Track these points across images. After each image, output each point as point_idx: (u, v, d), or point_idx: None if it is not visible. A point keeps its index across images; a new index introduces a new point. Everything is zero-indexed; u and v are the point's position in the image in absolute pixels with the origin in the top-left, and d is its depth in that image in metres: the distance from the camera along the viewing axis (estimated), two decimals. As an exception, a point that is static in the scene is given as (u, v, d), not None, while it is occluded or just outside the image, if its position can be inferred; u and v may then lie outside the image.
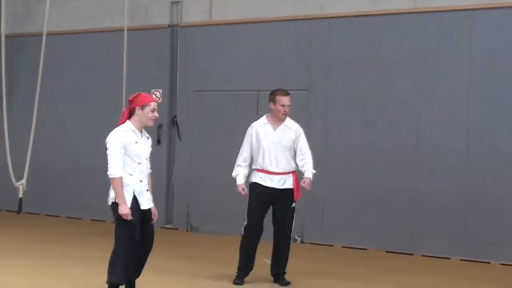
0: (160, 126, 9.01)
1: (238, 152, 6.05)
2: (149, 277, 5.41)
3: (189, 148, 9.06)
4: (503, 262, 7.16)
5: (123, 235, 4.80)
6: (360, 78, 8.00)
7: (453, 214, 7.45)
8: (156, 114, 4.94)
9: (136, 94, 4.96)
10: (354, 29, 8.04)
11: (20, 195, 7.77)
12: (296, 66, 8.35)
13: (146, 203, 4.96)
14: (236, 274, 5.95)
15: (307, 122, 7.47)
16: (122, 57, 8.60)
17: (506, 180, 7.20)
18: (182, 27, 9.10)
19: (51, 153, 9.81)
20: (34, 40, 9.08)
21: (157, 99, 8.90)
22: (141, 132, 4.97)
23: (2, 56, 8.13)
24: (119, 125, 4.93)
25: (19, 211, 7.85)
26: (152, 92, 8.97)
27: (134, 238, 4.83)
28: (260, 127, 5.96)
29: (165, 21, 9.20)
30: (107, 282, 4.89)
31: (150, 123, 4.97)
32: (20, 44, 9.99)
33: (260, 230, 5.86)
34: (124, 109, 5.01)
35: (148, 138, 5.02)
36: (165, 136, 9.13)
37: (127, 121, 4.90)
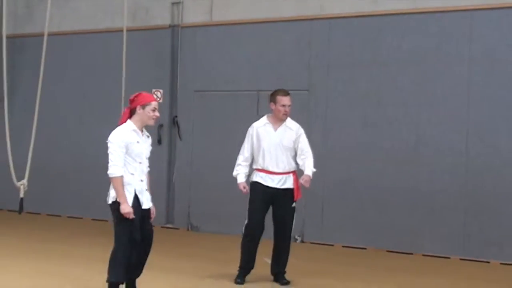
0: (161, 126, 9.03)
1: (238, 152, 6.07)
2: (150, 276, 5.41)
3: (189, 148, 9.08)
4: (503, 262, 7.18)
5: (123, 235, 4.81)
6: (360, 78, 8.02)
7: (453, 214, 7.47)
8: (157, 114, 4.95)
9: (136, 93, 4.97)
10: (354, 29, 8.06)
11: (21, 195, 7.78)
12: (296, 66, 8.37)
13: (146, 202, 4.98)
14: (237, 272, 5.96)
15: (307, 122, 7.49)
16: (123, 57, 8.64)
17: (505, 180, 7.22)
18: (182, 27, 9.13)
19: (52, 153, 9.83)
20: (35, 40, 9.10)
21: (158, 99, 8.92)
22: (141, 131, 4.98)
23: (3, 56, 8.15)
24: (120, 124, 4.94)
25: (20, 210, 7.86)
26: (153, 92, 8.98)
27: (135, 238, 4.84)
28: (261, 127, 5.97)
29: (166, 21, 9.23)
30: (107, 281, 4.91)
31: (151, 123, 4.98)
32: (21, 44, 10.02)
33: (261, 228, 5.88)
34: (124, 109, 5.01)
35: (148, 137, 5.04)
36: (165, 136, 9.16)
37: (128, 121, 4.91)
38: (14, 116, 9.13)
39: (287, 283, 5.94)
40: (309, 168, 5.87)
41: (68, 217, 9.79)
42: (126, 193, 4.80)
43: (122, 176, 4.78)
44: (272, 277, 6.03)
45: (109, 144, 4.82)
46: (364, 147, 7.95)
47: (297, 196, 5.92)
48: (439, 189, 7.53)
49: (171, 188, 9.20)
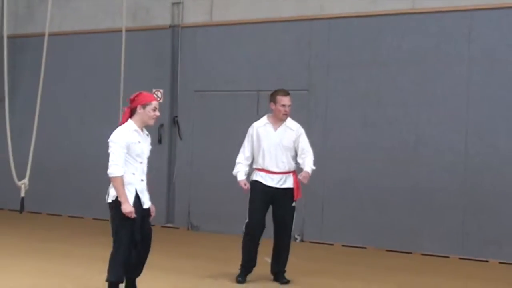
0: (161, 126, 9.06)
1: (238, 152, 6.08)
2: (150, 275, 5.43)
3: (190, 147, 9.10)
4: (501, 261, 7.20)
5: (124, 235, 4.80)
6: (360, 78, 8.04)
7: (452, 213, 7.49)
8: (157, 113, 4.96)
9: (137, 93, 4.97)
10: (354, 30, 8.08)
11: (22, 194, 7.78)
12: (296, 66, 8.39)
13: (146, 202, 4.99)
14: (239, 271, 5.98)
15: (307, 122, 7.50)
16: (125, 57, 8.66)
17: (504, 179, 7.24)
18: (183, 27, 9.15)
19: (53, 152, 9.85)
20: (36, 40, 9.11)
21: (158, 99, 8.94)
22: (141, 130, 4.98)
23: (4, 56, 8.16)
24: (120, 124, 4.94)
25: (21, 210, 7.87)
26: (153, 92, 9.01)
27: (135, 237, 4.84)
28: (261, 127, 5.99)
29: (166, 21, 9.25)
30: (107, 281, 4.91)
31: (152, 122, 4.98)
32: (22, 44, 10.04)
33: (261, 227, 5.88)
34: (125, 108, 5.00)
35: (147, 135, 5.03)
36: (166, 135, 9.18)
37: (129, 120, 4.91)
38: (15, 116, 9.16)
39: (287, 282, 5.96)
40: (308, 166, 5.87)
41: (69, 216, 9.81)
42: (127, 192, 4.80)
43: (122, 176, 4.78)
44: (272, 276, 6.04)
45: (110, 144, 4.82)
46: (363, 147, 7.97)
47: (297, 196, 5.94)
48: (438, 189, 7.55)
49: (171, 187, 9.22)
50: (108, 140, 4.85)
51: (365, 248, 7.89)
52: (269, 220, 5.99)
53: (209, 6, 8.97)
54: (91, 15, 9.75)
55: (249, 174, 6.08)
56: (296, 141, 5.96)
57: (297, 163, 6.00)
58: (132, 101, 4.93)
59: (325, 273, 6.54)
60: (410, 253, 7.63)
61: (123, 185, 4.78)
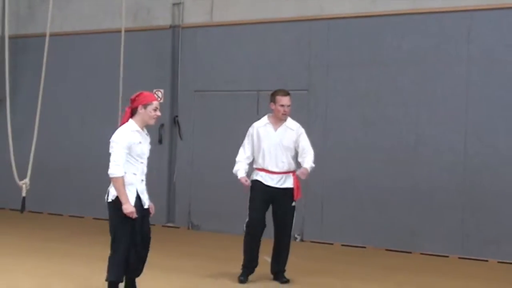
0: (161, 125, 9.08)
1: (238, 152, 6.10)
2: (151, 275, 5.44)
3: (190, 147, 9.13)
4: (500, 260, 7.22)
5: (123, 234, 4.80)
6: (360, 78, 8.06)
7: (451, 213, 7.52)
8: (158, 113, 4.96)
9: (138, 93, 4.96)
10: (354, 30, 8.10)
11: (23, 194, 7.81)
12: (296, 67, 8.41)
13: (146, 202, 4.99)
14: (241, 271, 5.98)
15: (307, 122, 7.52)
16: (125, 57, 8.68)
17: (503, 178, 7.27)
18: (183, 28, 9.17)
19: (54, 152, 9.88)
20: (37, 40, 9.16)
21: (159, 99, 8.97)
22: (142, 130, 4.99)
23: (5, 56, 8.18)
24: (121, 124, 4.95)
25: (22, 209, 7.89)
26: (154, 92, 9.03)
27: (135, 237, 4.85)
28: (261, 127, 6.01)
29: (167, 22, 9.27)
30: (106, 280, 4.90)
31: (152, 122, 4.98)
32: (23, 44, 10.06)
33: (261, 226, 5.89)
34: (126, 108, 4.99)
35: (147, 135, 5.03)
36: (166, 135, 9.20)
37: (130, 120, 4.91)
38: (16, 116, 9.19)
39: (287, 281, 5.98)
40: (307, 163, 5.89)
41: (70, 216, 9.84)
42: (128, 193, 4.79)
43: (123, 176, 4.77)
44: (272, 276, 6.06)
45: (112, 144, 4.82)
46: (363, 147, 7.99)
47: (297, 195, 5.96)
48: (437, 188, 7.57)
49: (172, 187, 9.25)
50: (110, 140, 4.85)
51: (364, 247, 7.91)
52: (269, 219, 6.01)
53: (209, 6, 8.99)
54: (92, 16, 9.78)
55: (248, 174, 6.09)
56: (296, 141, 5.98)
57: (297, 163, 6.01)
58: (133, 101, 4.92)
59: (325, 273, 6.56)
60: (410, 252, 7.65)
61: (124, 185, 4.78)
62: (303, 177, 5.88)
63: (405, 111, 7.81)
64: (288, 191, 5.93)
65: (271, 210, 6.03)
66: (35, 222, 9.28)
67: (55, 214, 9.93)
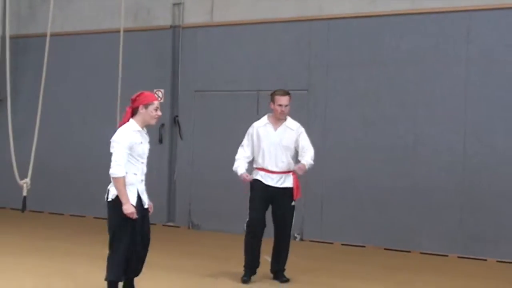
0: (162, 125, 9.11)
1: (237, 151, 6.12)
2: (151, 274, 5.46)
3: (190, 147, 9.15)
4: (499, 259, 7.25)
5: (123, 234, 4.79)
6: (359, 78, 8.08)
7: (450, 212, 7.54)
8: (159, 113, 4.96)
9: (138, 92, 4.95)
10: (353, 30, 8.13)
11: (24, 193, 7.84)
12: (296, 66, 8.43)
13: (146, 201, 4.98)
14: (243, 272, 5.97)
15: (306, 122, 7.52)
16: (126, 57, 8.72)
17: (502, 178, 7.29)
18: (183, 28, 9.19)
19: (55, 152, 9.91)
20: (38, 40, 9.18)
21: (159, 99, 8.99)
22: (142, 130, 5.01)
23: (6, 56, 8.21)
24: (122, 123, 4.94)
25: (23, 209, 7.92)
26: (154, 92, 9.05)
27: (135, 237, 4.84)
28: (261, 127, 6.03)
29: (167, 22, 9.29)
30: (106, 280, 4.89)
31: (153, 122, 4.98)
32: (24, 45, 10.08)
33: (261, 225, 5.90)
34: (127, 108, 4.98)
35: (146, 134, 5.02)
36: (167, 135, 9.23)
37: (131, 120, 4.90)
38: (17, 116, 9.21)
39: (287, 280, 6.00)
40: (306, 160, 5.91)
41: (71, 215, 9.88)
42: (129, 193, 4.78)
43: (124, 177, 4.77)
44: (271, 275, 6.08)
45: (113, 144, 4.81)
46: (363, 146, 8.02)
47: (296, 195, 5.97)
48: (436, 187, 7.60)
49: (172, 186, 9.27)
50: (111, 140, 4.84)
51: (364, 246, 7.94)
52: (269, 219, 6.03)
53: (209, 6, 9.02)
54: (93, 16, 9.80)
55: (248, 173, 6.11)
56: (296, 141, 6.00)
57: (297, 162, 6.01)
58: (133, 101, 4.91)
59: (324, 272, 6.59)
60: (409, 251, 7.68)
61: (124, 185, 4.77)
62: (300, 172, 5.89)
63: (404, 111, 7.83)
64: (288, 191, 5.95)
65: (271, 209, 6.04)
66: (36, 222, 9.31)
67: (55, 214, 9.96)
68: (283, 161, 5.94)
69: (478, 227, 7.40)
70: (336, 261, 7.19)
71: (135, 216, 4.76)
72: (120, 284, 5.00)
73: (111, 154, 4.86)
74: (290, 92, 6.10)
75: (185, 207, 9.16)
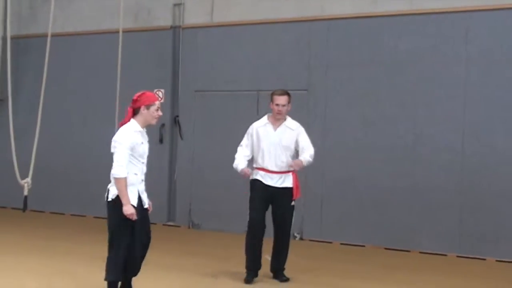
0: (162, 125, 9.14)
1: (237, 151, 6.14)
2: (151, 273, 5.48)
3: (191, 147, 9.18)
4: (498, 259, 7.27)
5: (123, 234, 4.79)
6: (359, 78, 8.11)
7: (449, 212, 7.57)
8: (160, 113, 4.98)
9: (140, 93, 4.94)
10: (353, 30, 8.15)
11: (25, 193, 7.86)
12: (296, 67, 8.46)
13: (146, 201, 4.98)
14: (246, 273, 5.96)
15: (306, 122, 7.53)
16: (126, 57, 8.75)
17: (501, 178, 7.32)
18: (184, 28, 9.22)
19: (56, 152, 9.94)
20: (39, 41, 9.21)
21: (160, 99, 9.01)
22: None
23: (7, 56, 8.23)
24: (122, 123, 4.93)
25: (24, 208, 7.95)
26: (154, 92, 9.08)
27: (135, 237, 4.83)
28: (261, 127, 6.04)
29: (168, 22, 9.32)
30: (105, 280, 4.88)
31: (154, 122, 5.00)
32: (25, 45, 10.11)
33: (262, 225, 5.91)
34: (128, 108, 4.97)
35: (146, 134, 5.01)
36: (167, 135, 9.26)
37: (132, 120, 4.90)
38: (18, 116, 9.23)
39: (287, 280, 6.02)
40: (304, 157, 5.94)
41: (71, 215, 9.91)
42: (130, 193, 4.78)
43: (126, 177, 4.76)
44: (271, 274, 6.09)
45: (115, 144, 4.80)
46: (362, 146, 8.04)
47: (296, 195, 5.99)
48: (436, 187, 7.63)
49: (173, 186, 9.30)
50: (113, 140, 4.83)
51: (363, 246, 7.96)
52: (268, 219, 6.05)
53: (209, 7, 9.04)
54: (93, 16, 9.82)
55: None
56: (296, 141, 6.02)
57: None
58: (135, 101, 4.90)
59: (324, 271, 6.61)
60: (409, 251, 7.70)
61: (126, 186, 4.77)
62: (296, 167, 5.90)
63: (404, 111, 7.86)
64: (288, 191, 5.96)
65: (270, 209, 6.05)
66: (37, 221, 9.34)
67: (56, 213, 9.99)
68: (283, 161, 5.95)
69: (477, 226, 7.43)
70: (336, 260, 7.21)
71: (135, 217, 4.76)
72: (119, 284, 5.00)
73: (111, 154, 4.86)
74: (290, 92, 6.12)
75: (186, 207, 9.19)
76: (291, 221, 6.06)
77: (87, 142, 9.71)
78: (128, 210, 4.73)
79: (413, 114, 7.81)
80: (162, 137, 9.21)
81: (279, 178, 5.96)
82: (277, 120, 6.01)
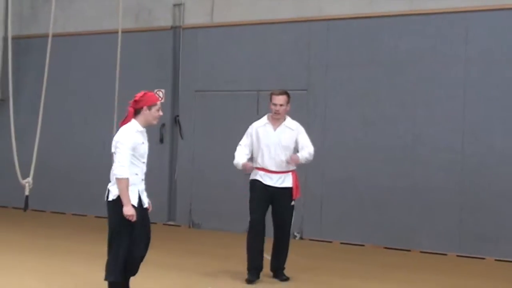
0: (163, 125, 9.16)
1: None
2: (151, 273, 5.50)
3: (191, 146, 9.20)
4: (497, 258, 7.29)
5: (124, 235, 4.79)
6: (358, 78, 8.12)
7: (449, 211, 7.59)
8: (161, 113, 5.00)
9: (142, 93, 4.94)
10: (352, 30, 8.17)
11: (27, 192, 7.88)
12: (296, 67, 8.48)
13: (146, 201, 4.98)
14: (247, 273, 5.96)
15: (306, 122, 7.53)
16: (127, 58, 8.77)
17: (500, 177, 7.33)
18: (184, 28, 9.24)
19: (57, 152, 9.96)
20: (40, 41, 9.22)
21: (160, 98, 9.04)
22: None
23: (8, 57, 8.26)
24: (123, 123, 4.93)
25: (25, 208, 7.97)
26: (155, 92, 9.10)
27: (135, 238, 4.84)
28: (261, 127, 6.06)
29: (168, 23, 9.34)
30: (106, 280, 4.88)
31: (155, 122, 5.01)
32: (26, 45, 10.13)
33: (262, 225, 5.92)
34: (129, 108, 4.96)
35: (145, 133, 5.03)
36: (167, 135, 9.28)
37: (134, 120, 4.90)
38: (20, 116, 9.25)
39: (287, 279, 6.04)
40: (301, 154, 5.96)
41: (72, 214, 9.93)
42: (131, 193, 4.78)
43: (128, 178, 4.75)
44: (271, 273, 6.11)
45: (118, 145, 4.79)
46: (362, 146, 8.06)
47: (296, 195, 6.01)
48: (435, 187, 7.64)
49: (173, 186, 9.32)
50: (115, 141, 4.83)
51: (363, 245, 7.98)
52: (268, 218, 6.07)
53: (209, 7, 9.06)
54: (94, 16, 9.84)
55: (248, 174, 6.16)
56: (296, 140, 6.03)
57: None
58: (138, 101, 4.89)
59: (324, 270, 6.63)
60: (408, 250, 7.71)
61: (128, 187, 4.76)
62: (292, 162, 5.91)
63: (403, 111, 7.87)
64: (287, 191, 5.98)
65: (270, 209, 6.07)
66: (38, 220, 9.36)
67: (57, 213, 10.02)
68: (283, 161, 5.96)
69: (477, 226, 7.45)
70: (336, 259, 7.23)
71: (134, 218, 4.76)
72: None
73: (112, 153, 4.87)
74: (290, 92, 6.13)
75: (186, 206, 9.21)
76: (291, 221, 6.08)
77: (88, 142, 9.73)
78: (129, 211, 4.74)
79: (412, 114, 7.83)
80: (163, 137, 9.24)
81: (279, 178, 5.97)
82: (276, 120, 6.02)
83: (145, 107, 4.89)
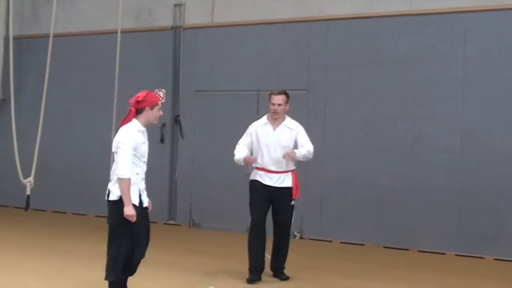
0: (163, 125, 9.18)
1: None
2: (152, 272, 5.51)
3: (191, 146, 9.22)
4: (496, 257, 7.31)
5: (124, 235, 4.80)
6: (358, 78, 8.14)
7: (448, 211, 7.61)
8: (161, 113, 5.03)
9: (145, 93, 4.94)
10: (352, 30, 8.19)
11: (28, 192, 7.89)
12: (296, 67, 8.50)
13: (146, 200, 4.99)
14: (249, 273, 5.95)
15: (306, 121, 7.56)
16: (128, 58, 8.78)
17: (499, 177, 7.35)
18: (184, 29, 9.26)
19: (58, 151, 9.99)
20: (41, 41, 9.23)
21: (161, 98, 9.06)
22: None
23: (10, 57, 8.28)
24: (123, 123, 4.93)
25: (26, 207, 7.98)
26: (155, 92, 9.12)
27: (135, 238, 4.84)
28: (260, 127, 6.07)
29: (168, 23, 9.36)
30: (106, 280, 4.89)
31: (156, 122, 5.04)
32: (28, 45, 10.15)
33: (263, 225, 5.93)
34: (130, 107, 4.95)
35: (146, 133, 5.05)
36: (168, 135, 9.30)
37: (135, 120, 4.90)
38: (21, 116, 9.27)
39: (287, 278, 6.06)
40: (299, 150, 5.96)
41: (73, 214, 9.96)
42: (132, 193, 4.79)
43: (130, 178, 4.76)
44: (271, 273, 6.12)
45: (119, 145, 4.80)
46: (362, 146, 8.07)
47: (295, 194, 6.02)
48: (435, 186, 7.66)
49: (174, 185, 9.34)
50: (116, 141, 4.84)
51: (363, 245, 8.00)
52: (268, 218, 6.08)
53: (210, 7, 9.08)
54: (95, 17, 9.86)
55: (248, 174, 6.18)
56: (296, 140, 6.05)
57: (296, 162, 6.07)
58: (141, 101, 4.88)
59: (324, 270, 6.65)
60: (408, 250, 7.73)
61: (129, 187, 4.77)
62: (288, 158, 5.90)
63: (403, 111, 7.89)
64: (287, 190, 5.99)
65: (270, 209, 6.09)
66: (39, 220, 9.38)
67: (58, 212, 10.04)
68: (282, 161, 5.97)
69: (476, 225, 7.46)
70: (336, 259, 7.24)
71: (134, 219, 4.77)
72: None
73: (113, 153, 4.88)
74: (290, 92, 6.15)
75: (186, 206, 9.23)
76: (291, 221, 6.09)
77: (88, 142, 9.76)
78: (130, 211, 4.74)
79: (412, 114, 7.84)
80: (163, 137, 9.26)
81: (279, 178, 5.98)
82: (276, 120, 6.03)
83: (147, 108, 4.91)
